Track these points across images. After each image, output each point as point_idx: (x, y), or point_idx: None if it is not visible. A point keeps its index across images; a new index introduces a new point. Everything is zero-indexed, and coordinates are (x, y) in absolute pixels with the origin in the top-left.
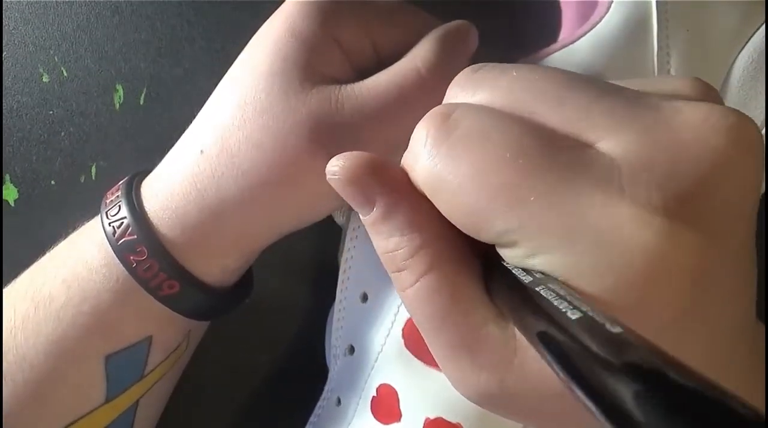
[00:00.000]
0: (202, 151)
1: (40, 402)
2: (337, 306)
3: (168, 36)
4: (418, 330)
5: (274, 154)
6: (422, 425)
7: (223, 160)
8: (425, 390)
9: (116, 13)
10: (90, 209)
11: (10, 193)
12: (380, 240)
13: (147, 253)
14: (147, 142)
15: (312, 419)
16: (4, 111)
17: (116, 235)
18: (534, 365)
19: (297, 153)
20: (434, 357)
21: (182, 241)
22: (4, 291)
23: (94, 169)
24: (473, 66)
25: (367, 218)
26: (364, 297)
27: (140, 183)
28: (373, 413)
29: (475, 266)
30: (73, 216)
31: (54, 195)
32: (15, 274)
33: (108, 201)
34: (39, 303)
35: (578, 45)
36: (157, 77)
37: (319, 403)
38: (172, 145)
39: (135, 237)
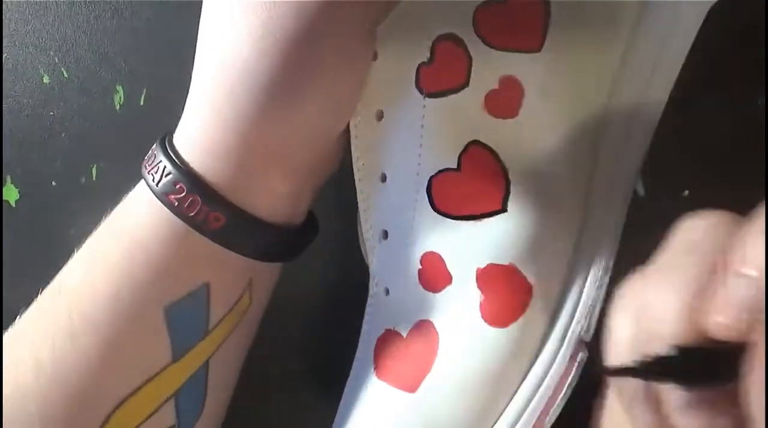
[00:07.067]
0: (210, 75)
1: (106, 366)
2: (359, 195)
3: (167, 37)
4: (442, 187)
5: (266, 39)
6: (475, 278)
7: (227, 69)
8: (468, 243)
9: (116, 15)
10: (90, 210)
11: (11, 194)
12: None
13: (186, 189)
14: (147, 143)
15: (366, 318)
16: (4, 112)
17: (155, 180)
18: None
19: (288, 26)
20: None
21: (219, 170)
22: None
23: (94, 170)
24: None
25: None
26: (383, 178)
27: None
28: (424, 286)
29: None
30: (73, 217)
31: (54, 195)
32: (16, 274)
33: (147, 156)
34: (94, 262)
35: None
36: (157, 78)
37: (369, 301)
38: None
39: (172, 175)
